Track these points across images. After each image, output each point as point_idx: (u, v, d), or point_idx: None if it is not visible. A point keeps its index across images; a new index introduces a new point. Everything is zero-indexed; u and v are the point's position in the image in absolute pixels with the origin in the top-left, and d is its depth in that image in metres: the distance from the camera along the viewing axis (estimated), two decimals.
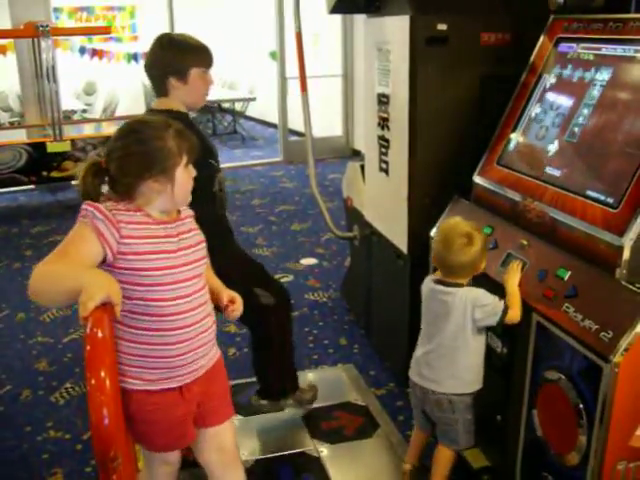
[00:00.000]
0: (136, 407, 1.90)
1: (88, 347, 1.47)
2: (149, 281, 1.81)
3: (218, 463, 2.14)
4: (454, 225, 2.38)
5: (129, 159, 1.81)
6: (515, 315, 2.26)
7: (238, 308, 2.12)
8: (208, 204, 2.57)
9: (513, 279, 2.30)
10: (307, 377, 3.44)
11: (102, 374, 1.44)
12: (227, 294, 2.12)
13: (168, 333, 1.86)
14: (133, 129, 1.86)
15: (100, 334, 1.47)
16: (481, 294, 2.31)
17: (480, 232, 2.36)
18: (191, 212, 2.02)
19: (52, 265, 1.71)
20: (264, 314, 2.89)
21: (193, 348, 1.92)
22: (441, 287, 2.37)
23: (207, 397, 2.04)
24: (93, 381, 1.43)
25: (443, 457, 2.54)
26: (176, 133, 1.85)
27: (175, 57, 2.55)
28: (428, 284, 2.44)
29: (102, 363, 1.46)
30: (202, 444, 2.11)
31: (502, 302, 2.27)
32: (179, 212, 1.96)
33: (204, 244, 2.00)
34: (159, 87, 2.59)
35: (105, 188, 1.88)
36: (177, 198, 1.89)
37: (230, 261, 2.63)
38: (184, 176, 1.88)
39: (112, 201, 1.84)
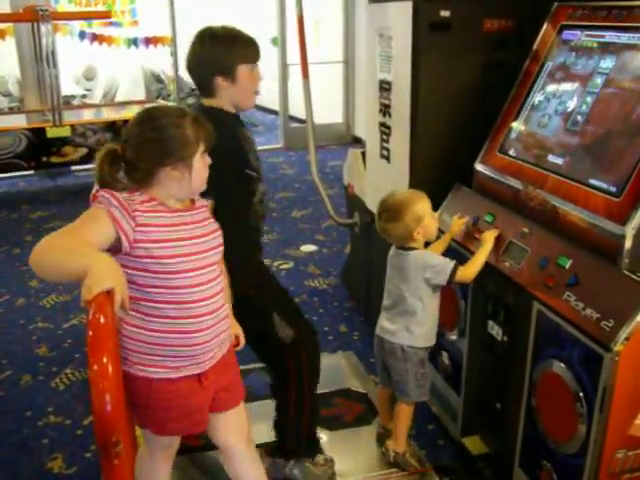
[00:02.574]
0: (157, 395, 1.92)
1: (90, 333, 1.46)
2: (167, 269, 1.81)
3: (237, 442, 2.20)
4: (385, 199, 2.57)
5: (146, 146, 1.81)
6: (465, 275, 2.45)
7: (240, 346, 2.21)
8: (242, 217, 2.37)
9: (483, 246, 2.47)
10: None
11: (104, 360, 1.43)
12: (234, 330, 2.19)
13: (190, 320, 1.87)
14: (151, 116, 1.85)
15: (102, 320, 1.47)
16: (430, 256, 2.51)
17: (413, 203, 2.48)
18: (205, 202, 2.01)
19: (61, 238, 1.69)
20: (280, 349, 2.48)
21: (214, 336, 1.95)
22: (399, 250, 2.56)
23: (224, 383, 2.07)
24: (95, 367, 1.42)
25: (400, 412, 2.69)
26: (193, 121, 1.85)
27: (220, 54, 2.28)
28: (392, 248, 2.61)
29: (105, 349, 1.46)
30: (222, 426, 2.16)
31: (452, 263, 2.45)
32: (193, 202, 1.96)
33: (219, 232, 2.00)
34: (205, 88, 2.34)
35: (122, 176, 1.87)
36: (194, 186, 1.89)
37: (252, 281, 2.38)
38: (200, 164, 1.87)
39: (127, 192, 1.83)
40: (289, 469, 2.66)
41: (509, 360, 2.41)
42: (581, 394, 1.99)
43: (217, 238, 1.98)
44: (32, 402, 3.36)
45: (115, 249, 1.77)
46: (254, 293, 2.34)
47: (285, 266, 5.05)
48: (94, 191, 2.03)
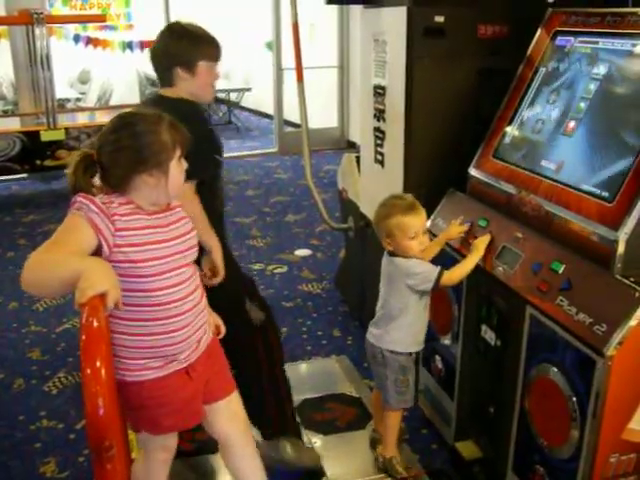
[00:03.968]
0: (148, 394, 1.94)
1: (84, 337, 1.47)
2: (146, 272, 1.82)
3: (234, 431, 2.21)
4: (389, 197, 2.56)
5: (122, 153, 1.80)
6: (451, 278, 2.45)
7: (221, 334, 2.23)
8: (212, 202, 2.50)
9: (474, 253, 2.46)
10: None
11: (97, 364, 1.43)
12: (214, 321, 2.20)
13: (169, 321, 1.89)
14: (126, 122, 1.84)
15: (96, 323, 1.47)
16: (414, 264, 2.46)
17: (394, 216, 2.43)
18: (179, 202, 2.02)
19: (47, 253, 1.69)
20: (250, 332, 2.63)
21: (193, 332, 1.97)
22: (389, 257, 2.54)
23: (212, 373, 2.10)
24: (88, 371, 1.42)
25: (387, 418, 2.69)
26: (169, 126, 1.84)
27: (185, 48, 2.46)
28: (385, 251, 2.58)
29: (98, 353, 1.46)
30: (216, 417, 2.17)
31: (437, 270, 2.43)
32: (168, 203, 1.96)
33: (194, 233, 2.02)
34: (165, 77, 2.51)
35: (96, 180, 1.86)
36: (171, 191, 1.89)
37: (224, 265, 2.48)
38: (177, 169, 1.88)
39: (103, 194, 1.83)
40: (282, 444, 2.73)
41: (502, 364, 2.41)
42: (574, 399, 2.00)
43: (192, 238, 1.99)
44: (25, 406, 3.35)
45: (94, 255, 1.76)
46: (226, 280, 2.42)
47: (279, 270, 5.05)
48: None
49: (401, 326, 2.53)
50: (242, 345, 2.58)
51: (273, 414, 2.72)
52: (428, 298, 2.54)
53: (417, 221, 2.44)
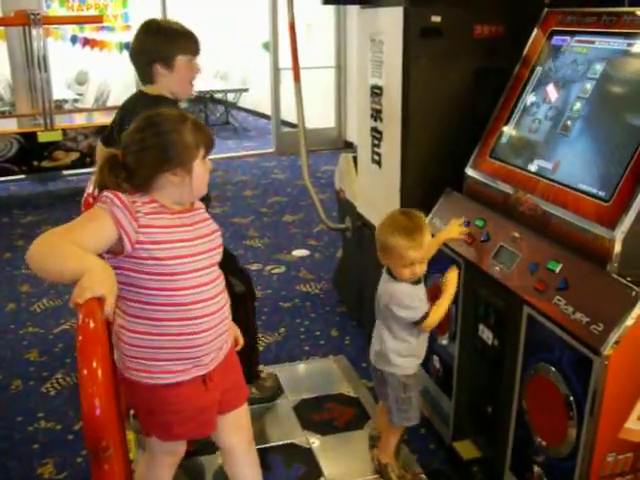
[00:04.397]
0: (161, 400, 1.93)
1: (80, 337, 1.47)
2: (169, 270, 1.82)
3: (239, 441, 2.23)
4: (404, 211, 2.47)
5: (147, 152, 1.81)
6: (433, 320, 2.39)
7: (238, 346, 2.23)
8: None
9: (447, 290, 2.43)
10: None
11: (94, 364, 1.43)
12: (233, 332, 2.19)
13: (193, 322, 1.88)
14: (151, 122, 1.85)
15: (92, 324, 1.47)
16: (406, 295, 2.37)
17: (393, 236, 2.30)
18: (202, 204, 2.03)
19: (60, 238, 1.68)
20: (235, 303, 2.82)
21: (216, 336, 1.96)
22: (386, 275, 2.46)
23: (231, 383, 2.10)
24: (85, 371, 1.42)
25: (389, 433, 2.67)
26: (193, 126, 1.86)
27: (161, 43, 2.51)
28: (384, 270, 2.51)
29: (94, 353, 1.46)
30: (224, 428, 2.17)
31: (425, 309, 2.37)
32: (192, 203, 1.97)
33: (219, 233, 2.02)
34: (144, 74, 2.57)
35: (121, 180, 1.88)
36: (195, 190, 1.90)
37: None
38: (201, 169, 1.89)
39: (128, 193, 1.84)
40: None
41: (500, 364, 2.41)
42: (571, 398, 2.00)
43: (217, 239, 2.00)
44: (23, 407, 3.34)
45: (116, 251, 1.78)
46: None
47: (277, 270, 5.05)
48: (85, 195, 2.03)
49: (398, 350, 2.47)
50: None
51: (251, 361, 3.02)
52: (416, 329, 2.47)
53: (415, 252, 2.30)
